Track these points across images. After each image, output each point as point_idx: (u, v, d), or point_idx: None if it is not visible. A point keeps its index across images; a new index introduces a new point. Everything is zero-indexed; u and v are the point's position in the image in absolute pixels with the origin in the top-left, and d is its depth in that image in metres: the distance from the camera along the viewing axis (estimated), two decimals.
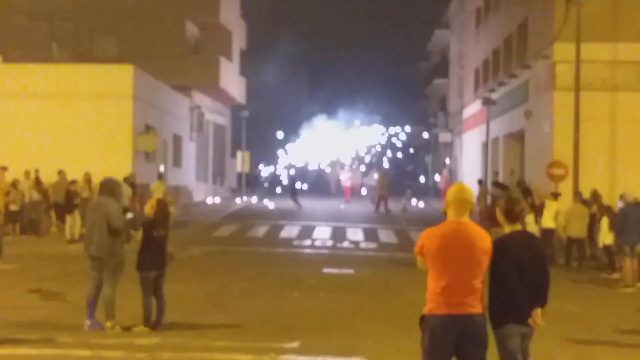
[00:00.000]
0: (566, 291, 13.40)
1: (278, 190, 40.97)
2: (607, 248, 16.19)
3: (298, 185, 32.79)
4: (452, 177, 41.65)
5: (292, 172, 35.22)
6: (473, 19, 38.22)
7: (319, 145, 41.35)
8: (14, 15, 32.39)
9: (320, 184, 43.16)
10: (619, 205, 16.45)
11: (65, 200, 19.86)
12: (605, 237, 16.00)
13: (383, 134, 42.33)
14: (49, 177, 21.69)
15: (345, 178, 37.10)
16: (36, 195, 20.87)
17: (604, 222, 16.04)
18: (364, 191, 40.76)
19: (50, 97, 23.93)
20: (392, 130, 43.36)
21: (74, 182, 20.11)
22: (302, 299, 12.40)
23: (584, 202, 17.46)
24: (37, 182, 21.16)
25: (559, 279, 14.15)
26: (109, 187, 10.02)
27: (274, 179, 43.88)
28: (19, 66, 25.09)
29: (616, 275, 15.83)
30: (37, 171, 21.51)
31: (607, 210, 16.53)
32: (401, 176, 43.32)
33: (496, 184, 23.04)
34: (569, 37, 20.77)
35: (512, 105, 27.55)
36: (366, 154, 41.71)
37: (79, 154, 23.20)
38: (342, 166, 37.52)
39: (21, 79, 24.31)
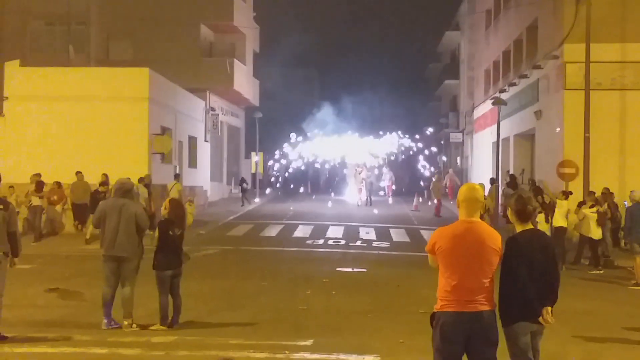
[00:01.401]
0: (576, 289, 13.44)
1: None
2: (592, 243, 16.36)
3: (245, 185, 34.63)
4: (460, 176, 41.70)
5: (241, 178, 36.10)
6: (483, 21, 38.26)
7: (329, 145, 41.34)
8: (32, 19, 32.70)
9: (332, 184, 43.20)
10: (625, 204, 16.59)
11: (91, 200, 20.01)
12: (593, 232, 16.23)
13: (400, 139, 42.22)
14: (67, 179, 21.94)
15: (358, 181, 36.49)
16: (35, 200, 20.76)
17: (593, 218, 16.29)
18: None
19: (67, 100, 24.16)
20: (407, 131, 43.29)
21: (103, 183, 20.20)
22: (316, 298, 12.45)
23: (597, 201, 17.58)
24: (38, 187, 21.09)
25: (570, 276, 14.23)
26: (124, 189, 10.17)
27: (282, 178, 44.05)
28: (36, 70, 25.29)
29: (599, 272, 16.01)
30: (39, 175, 21.54)
31: (582, 205, 16.72)
32: (418, 177, 43.40)
33: (512, 178, 23.32)
34: (578, 37, 20.86)
35: (523, 105, 27.62)
36: (380, 157, 41.69)
37: (96, 156, 23.42)
38: (356, 168, 37.22)
39: (38, 82, 24.53)
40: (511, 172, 28.39)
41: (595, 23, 20.56)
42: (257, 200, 35.87)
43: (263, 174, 42.42)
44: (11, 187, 20.60)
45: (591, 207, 16.76)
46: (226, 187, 39.23)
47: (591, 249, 16.71)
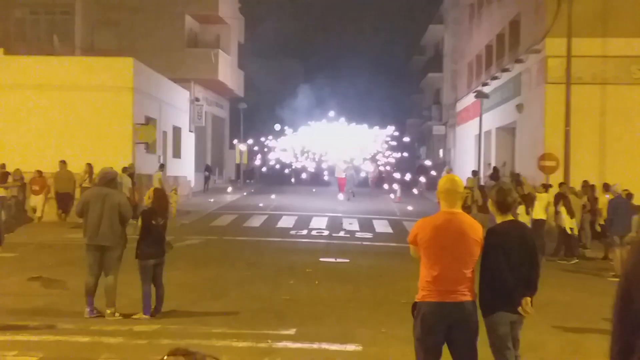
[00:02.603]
0: (556, 280, 13.52)
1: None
2: (565, 234, 16.62)
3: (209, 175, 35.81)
4: (442, 168, 41.79)
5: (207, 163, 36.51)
6: (467, 15, 38.39)
7: (315, 138, 41.21)
8: (16, 8, 32.37)
9: (319, 178, 43.10)
10: (606, 197, 16.78)
11: None
12: (565, 222, 16.43)
13: (378, 135, 42.13)
14: (50, 168, 21.80)
15: (340, 171, 35.15)
16: (0, 191, 20.29)
17: (562, 209, 16.49)
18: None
19: (51, 89, 23.92)
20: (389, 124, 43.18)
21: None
22: (299, 287, 12.47)
23: (576, 194, 17.76)
24: (3, 178, 20.72)
25: (549, 268, 14.34)
26: (108, 178, 10.17)
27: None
28: (20, 58, 25.05)
29: (574, 261, 16.21)
30: (3, 166, 21.17)
31: (564, 197, 16.90)
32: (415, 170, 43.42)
33: (495, 170, 23.62)
34: (560, 32, 20.98)
35: (505, 98, 27.77)
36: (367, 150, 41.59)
37: (79, 145, 23.22)
38: (339, 162, 36.59)
39: (22, 71, 24.25)
40: (493, 164, 28.59)
41: (577, 18, 20.68)
42: (229, 190, 35.64)
43: (247, 165, 42.35)
44: None
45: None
46: (210, 178, 39.08)
47: (565, 240, 16.90)
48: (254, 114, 45.07)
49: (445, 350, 5.49)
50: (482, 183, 25.18)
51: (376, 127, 40.79)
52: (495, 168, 25.56)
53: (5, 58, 24.75)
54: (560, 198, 17.01)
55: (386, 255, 17.00)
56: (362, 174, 39.45)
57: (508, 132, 28.55)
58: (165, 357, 2.38)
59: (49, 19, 32.15)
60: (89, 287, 9.85)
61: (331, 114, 39.53)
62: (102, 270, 9.91)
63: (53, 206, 21.65)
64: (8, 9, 31.86)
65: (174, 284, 11.16)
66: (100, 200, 9.84)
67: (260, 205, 28.69)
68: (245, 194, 35.18)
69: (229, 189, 35.38)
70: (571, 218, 16.62)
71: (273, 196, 32.09)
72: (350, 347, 8.61)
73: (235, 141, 40.68)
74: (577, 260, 16.63)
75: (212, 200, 30.47)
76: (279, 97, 51.22)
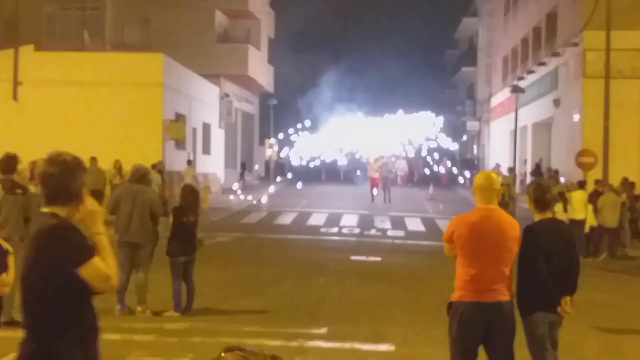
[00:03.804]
0: (596, 280, 13.21)
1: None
2: (591, 230, 16.34)
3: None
4: (477, 164, 41.47)
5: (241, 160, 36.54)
6: (502, 7, 37.99)
7: (345, 134, 40.99)
8: (46, 4, 32.73)
9: (351, 174, 42.95)
10: None
11: None
12: (591, 220, 16.15)
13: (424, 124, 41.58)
14: None
15: (373, 170, 31.66)
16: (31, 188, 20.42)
17: (589, 207, 16.27)
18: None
19: (81, 85, 24.10)
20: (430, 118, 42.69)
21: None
22: (330, 286, 12.38)
23: (614, 191, 17.39)
24: (31, 174, 20.74)
25: (589, 267, 14.06)
26: (139, 174, 10.14)
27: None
28: (51, 54, 25.30)
29: (602, 256, 16.00)
30: (33, 164, 21.23)
31: (594, 194, 16.60)
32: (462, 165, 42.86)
33: (537, 167, 23.34)
34: (599, 24, 20.53)
35: (541, 93, 27.39)
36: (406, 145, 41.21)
37: (109, 142, 23.33)
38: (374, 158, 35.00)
39: (52, 67, 24.48)
40: (528, 161, 28.24)
41: (616, 9, 20.22)
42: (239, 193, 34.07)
43: (277, 159, 42.29)
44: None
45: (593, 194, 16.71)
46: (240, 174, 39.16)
47: (590, 237, 16.59)
48: (284, 109, 45.01)
49: (480, 350, 5.37)
50: (517, 180, 24.91)
51: (416, 115, 40.39)
52: (537, 165, 25.20)
53: (36, 54, 24.97)
54: (594, 195, 16.71)
55: (419, 254, 16.85)
56: (393, 171, 38.78)
57: (544, 127, 28.14)
58: (223, 354, 2.37)
59: (79, 14, 32.38)
60: (120, 284, 9.81)
61: (362, 112, 39.29)
62: (133, 267, 9.88)
63: None
64: (38, 5, 32.16)
65: (204, 282, 11.13)
66: (132, 197, 9.83)
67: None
68: (268, 193, 32.80)
69: (238, 193, 31.71)
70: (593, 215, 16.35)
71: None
72: (383, 347, 8.52)
73: (271, 140, 40.55)
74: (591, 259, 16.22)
75: (242, 197, 30.28)
76: (309, 92, 51.15)
